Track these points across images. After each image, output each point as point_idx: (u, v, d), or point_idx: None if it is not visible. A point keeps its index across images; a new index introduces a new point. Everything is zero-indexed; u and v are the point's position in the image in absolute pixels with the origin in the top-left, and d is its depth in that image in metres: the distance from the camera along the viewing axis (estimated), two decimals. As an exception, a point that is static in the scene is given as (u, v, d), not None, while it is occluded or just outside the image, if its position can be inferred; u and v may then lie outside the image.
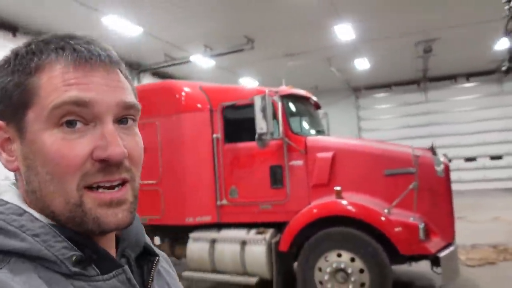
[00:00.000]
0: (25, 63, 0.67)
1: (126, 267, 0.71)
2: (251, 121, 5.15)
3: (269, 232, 5.30)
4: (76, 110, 0.65)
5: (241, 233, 5.41)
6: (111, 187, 0.67)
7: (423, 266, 5.56)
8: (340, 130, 17.64)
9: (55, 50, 0.67)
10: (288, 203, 5.34)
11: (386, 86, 20.85)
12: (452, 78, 19.45)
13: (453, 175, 17.89)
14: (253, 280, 5.21)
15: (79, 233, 0.67)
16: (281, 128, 5.28)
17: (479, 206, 13.44)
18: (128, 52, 13.51)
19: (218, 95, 5.91)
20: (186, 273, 5.68)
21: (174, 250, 6.23)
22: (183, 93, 5.89)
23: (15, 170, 0.71)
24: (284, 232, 5.08)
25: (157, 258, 0.81)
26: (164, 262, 0.92)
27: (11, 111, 0.68)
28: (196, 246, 5.58)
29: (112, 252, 0.75)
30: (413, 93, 20.33)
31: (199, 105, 5.82)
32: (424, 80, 19.21)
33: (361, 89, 21.35)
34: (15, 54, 0.69)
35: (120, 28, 11.30)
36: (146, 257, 0.81)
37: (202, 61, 14.66)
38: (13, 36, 11.04)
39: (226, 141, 5.68)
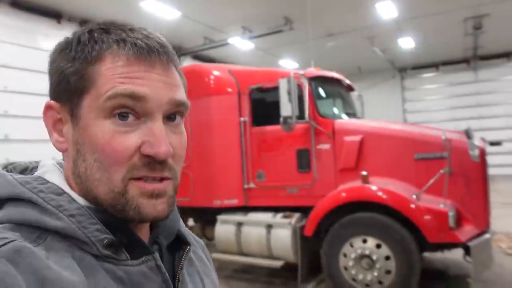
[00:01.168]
0: (86, 51, 0.69)
1: (156, 254, 0.73)
2: (278, 104, 5.08)
3: (295, 216, 5.26)
4: (130, 103, 0.67)
5: (267, 217, 5.41)
6: (154, 179, 0.69)
7: (460, 254, 5.35)
8: (384, 112, 17.22)
9: (116, 41, 0.69)
10: (314, 187, 5.27)
11: (433, 65, 19.95)
12: (504, 56, 18.31)
13: (504, 159, 17.09)
14: (278, 264, 5.21)
15: (115, 217, 0.70)
16: (307, 111, 5.17)
17: (530, 192, 12.75)
18: (168, 35, 13.49)
19: (247, 78, 5.87)
20: (214, 255, 5.76)
21: (205, 232, 6.34)
22: (211, 76, 5.89)
23: (64, 151, 0.73)
24: (310, 217, 5.02)
25: (188, 247, 0.82)
26: (199, 249, 0.94)
27: (67, 95, 0.70)
28: (223, 229, 5.64)
29: (145, 238, 0.77)
30: (462, 72, 19.33)
31: (228, 89, 5.81)
32: (474, 58, 18.18)
33: (406, 69, 20.57)
34: (78, 39, 0.71)
35: (159, 12, 11.45)
36: (179, 245, 0.83)
37: (241, 43, 14.63)
38: (58, 23, 11.42)
39: (253, 125, 5.66)
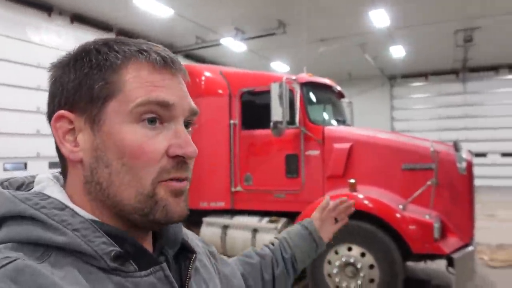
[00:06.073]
0: (111, 59, 0.71)
1: (164, 264, 0.73)
2: (269, 108, 5.06)
3: (282, 221, 5.25)
4: (158, 110, 0.71)
5: (253, 221, 5.39)
6: (179, 179, 0.73)
7: (443, 264, 5.38)
8: (372, 119, 17.34)
9: (139, 52, 0.72)
10: (302, 193, 5.26)
11: (422, 75, 20.17)
12: (493, 69, 18.58)
13: (489, 171, 17.32)
14: (262, 268, 5.19)
15: (119, 229, 0.71)
16: (298, 117, 5.16)
17: (512, 204, 12.94)
18: (160, 33, 13.58)
19: (238, 81, 5.84)
20: (199, 257, 5.72)
21: (190, 233, 6.29)
22: (203, 77, 5.86)
23: (79, 161, 0.72)
24: (296, 222, 5.00)
25: (194, 255, 0.83)
26: (203, 256, 0.94)
27: (86, 103, 0.71)
28: (209, 231, 5.61)
29: (150, 249, 0.78)
30: (451, 83, 19.55)
31: (219, 90, 5.78)
32: (464, 70, 18.40)
33: (396, 77, 20.74)
34: (96, 50, 0.72)
35: (151, 10, 11.36)
36: (184, 254, 0.83)
37: (233, 44, 14.59)
38: (48, 16, 11.27)
39: (243, 128, 5.63)
